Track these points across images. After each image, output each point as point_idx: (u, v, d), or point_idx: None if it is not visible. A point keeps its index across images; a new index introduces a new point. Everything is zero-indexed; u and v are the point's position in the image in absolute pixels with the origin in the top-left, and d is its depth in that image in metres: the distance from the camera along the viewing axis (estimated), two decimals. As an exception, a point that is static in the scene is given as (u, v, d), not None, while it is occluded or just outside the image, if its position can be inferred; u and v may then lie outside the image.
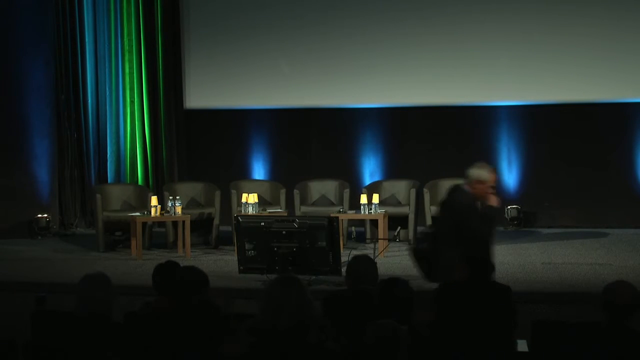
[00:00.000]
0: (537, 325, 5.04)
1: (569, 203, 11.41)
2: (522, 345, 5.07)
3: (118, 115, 12.18)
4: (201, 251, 9.86)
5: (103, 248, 9.96)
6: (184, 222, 9.53)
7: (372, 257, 6.42)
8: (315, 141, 12.13)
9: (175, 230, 9.86)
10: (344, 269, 6.96)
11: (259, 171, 12.09)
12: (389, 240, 9.30)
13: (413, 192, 10.22)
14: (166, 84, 12.09)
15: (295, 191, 10.47)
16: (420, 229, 9.20)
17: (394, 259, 9.11)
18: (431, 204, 10.15)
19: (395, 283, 4.61)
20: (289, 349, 4.05)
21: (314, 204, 10.66)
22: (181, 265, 5.25)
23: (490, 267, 5.34)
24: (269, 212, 9.62)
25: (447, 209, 6.38)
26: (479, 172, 6.18)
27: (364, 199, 9.68)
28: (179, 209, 9.57)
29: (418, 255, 6.66)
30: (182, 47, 12.03)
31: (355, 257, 5.41)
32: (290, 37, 11.81)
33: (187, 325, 4.47)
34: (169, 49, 12.05)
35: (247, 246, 7.66)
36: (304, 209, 10.35)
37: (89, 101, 12.01)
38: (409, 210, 10.18)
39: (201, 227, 10.29)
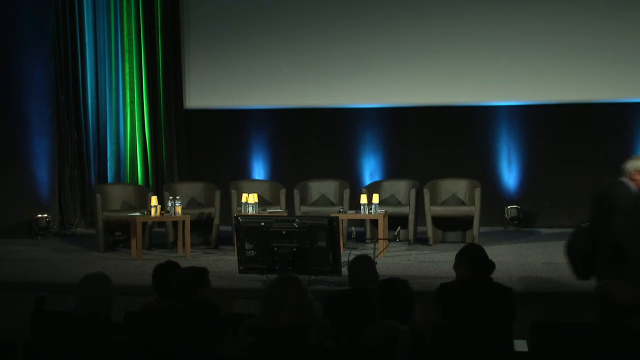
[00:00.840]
0: (536, 326, 5.03)
1: (569, 203, 11.39)
2: (521, 345, 5.07)
3: (118, 115, 12.19)
4: (201, 251, 9.87)
5: (103, 248, 9.95)
6: (184, 222, 9.53)
7: (372, 257, 6.43)
8: (315, 141, 12.13)
9: (175, 230, 9.87)
10: (344, 269, 6.98)
11: (259, 171, 12.10)
12: (389, 240, 9.31)
13: (413, 192, 10.22)
14: (166, 83, 12.09)
15: (295, 191, 10.47)
16: (577, 224, 9.00)
17: (394, 259, 9.11)
18: (431, 204, 10.15)
19: (395, 283, 4.61)
20: (288, 348, 4.06)
21: (314, 204, 10.66)
22: (181, 265, 5.26)
23: (492, 266, 5.32)
24: (269, 212, 9.62)
25: (607, 204, 6.24)
26: (636, 163, 6.12)
27: (364, 198, 9.67)
28: (179, 209, 9.57)
29: (572, 252, 6.47)
30: (182, 47, 12.04)
31: (356, 257, 5.42)
32: (290, 37, 11.81)
33: (187, 325, 4.46)
34: (169, 49, 12.05)
35: (247, 246, 7.67)
36: (304, 209, 10.35)
37: (89, 101, 12.02)
38: (409, 210, 10.18)
39: (201, 227, 10.30)
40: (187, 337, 4.23)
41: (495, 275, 6.41)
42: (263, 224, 7.66)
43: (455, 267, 5.35)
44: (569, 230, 10.97)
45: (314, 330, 4.20)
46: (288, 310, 4.15)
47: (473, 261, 5.22)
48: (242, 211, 9.62)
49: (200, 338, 4.02)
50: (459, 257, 5.32)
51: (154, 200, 9.60)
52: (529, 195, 11.53)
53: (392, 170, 11.71)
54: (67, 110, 11.82)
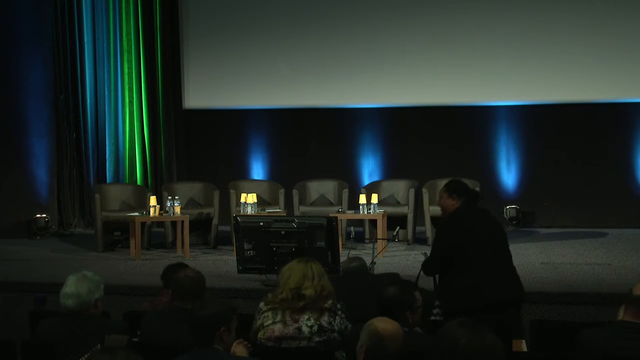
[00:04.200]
0: (535, 325, 5.04)
1: (568, 203, 11.41)
2: (520, 345, 5.07)
3: (117, 115, 12.18)
4: (200, 251, 9.86)
5: (102, 248, 9.95)
6: (182, 222, 9.53)
7: (372, 258, 6.44)
8: (314, 141, 12.13)
9: (174, 230, 9.86)
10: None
11: (257, 171, 12.09)
12: (388, 240, 9.29)
13: (412, 192, 10.22)
14: (165, 84, 12.09)
15: (294, 191, 10.47)
16: None
17: (393, 259, 9.10)
18: (430, 204, 10.14)
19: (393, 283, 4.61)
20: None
21: (312, 204, 10.65)
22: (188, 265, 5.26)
23: (478, 194, 5.83)
24: (268, 212, 9.61)
25: None
26: None
27: (362, 199, 9.67)
28: (177, 209, 9.57)
29: None
30: (180, 47, 12.03)
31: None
32: (289, 37, 11.81)
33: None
34: (167, 49, 12.05)
35: (246, 246, 7.65)
36: (303, 209, 10.34)
37: (88, 101, 12.01)
38: (407, 210, 10.18)
39: (200, 227, 10.29)
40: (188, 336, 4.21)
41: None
42: (262, 224, 7.65)
43: (446, 202, 5.65)
44: (568, 230, 11.04)
45: (333, 300, 4.53)
46: (310, 281, 4.47)
47: (468, 192, 5.66)
48: (241, 211, 9.61)
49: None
50: (452, 191, 5.65)
51: (152, 200, 9.60)
52: (527, 195, 11.53)
53: (391, 170, 11.71)
54: (66, 110, 11.81)
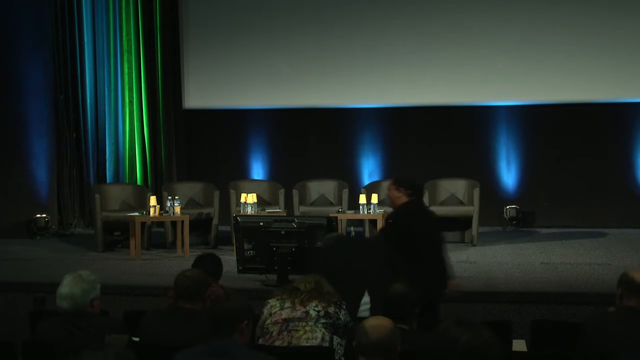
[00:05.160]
0: (535, 325, 5.04)
1: (567, 203, 11.41)
2: (520, 345, 5.08)
3: (117, 115, 12.18)
4: (200, 251, 9.78)
5: (102, 248, 9.95)
6: (182, 222, 9.53)
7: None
8: (314, 141, 12.13)
9: (174, 230, 9.86)
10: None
11: (257, 171, 12.09)
12: (388, 240, 9.29)
13: (412, 192, 10.19)
14: (165, 84, 12.09)
15: (294, 191, 10.46)
16: None
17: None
18: (430, 204, 10.13)
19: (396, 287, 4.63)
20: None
21: (312, 204, 10.65)
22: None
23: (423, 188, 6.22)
24: (268, 212, 9.61)
25: None
26: None
27: (362, 199, 9.66)
28: (177, 209, 9.57)
29: None
30: (181, 47, 12.03)
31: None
32: (289, 37, 11.81)
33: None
34: (167, 49, 12.05)
35: (246, 246, 7.66)
36: (303, 209, 10.34)
37: (88, 101, 12.00)
38: (408, 210, 10.15)
39: (200, 227, 10.29)
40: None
41: (493, 275, 6.47)
42: (262, 224, 7.65)
43: (393, 193, 5.92)
44: (568, 230, 11.02)
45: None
46: (305, 278, 4.86)
47: (413, 186, 5.88)
48: (241, 211, 9.61)
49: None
50: (399, 184, 5.90)
51: (152, 200, 9.60)
52: (527, 195, 11.53)
53: (390, 170, 11.69)
54: (66, 110, 11.81)
